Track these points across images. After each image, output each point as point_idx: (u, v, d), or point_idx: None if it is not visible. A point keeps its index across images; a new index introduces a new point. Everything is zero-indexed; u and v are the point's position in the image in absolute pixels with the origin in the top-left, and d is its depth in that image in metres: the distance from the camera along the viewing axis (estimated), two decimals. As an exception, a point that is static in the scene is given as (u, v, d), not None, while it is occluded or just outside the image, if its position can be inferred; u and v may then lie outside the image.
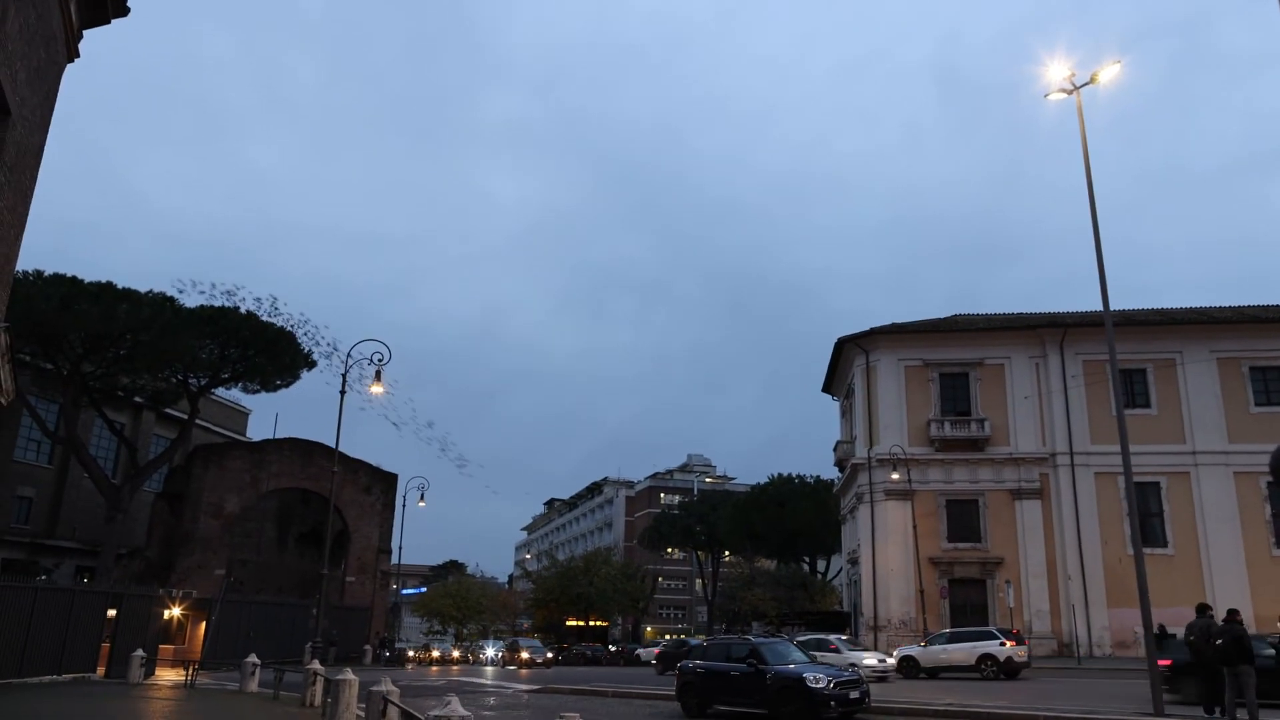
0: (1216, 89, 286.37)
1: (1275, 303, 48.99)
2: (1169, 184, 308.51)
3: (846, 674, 18.92)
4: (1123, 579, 41.56)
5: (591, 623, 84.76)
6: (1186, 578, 41.84)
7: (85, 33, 17.60)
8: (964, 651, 32.22)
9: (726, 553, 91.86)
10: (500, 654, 57.16)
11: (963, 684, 28.85)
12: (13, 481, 50.44)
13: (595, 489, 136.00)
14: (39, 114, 16.07)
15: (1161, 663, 20.84)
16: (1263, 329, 45.56)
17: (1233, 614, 17.08)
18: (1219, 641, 16.41)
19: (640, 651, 63.80)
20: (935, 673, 32.70)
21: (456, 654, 54.26)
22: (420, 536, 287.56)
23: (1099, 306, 20.94)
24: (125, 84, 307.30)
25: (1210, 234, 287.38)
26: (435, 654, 66.98)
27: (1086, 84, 21.11)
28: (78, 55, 17.50)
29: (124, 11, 17.74)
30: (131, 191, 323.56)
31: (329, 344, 52.20)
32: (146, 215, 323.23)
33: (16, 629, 26.02)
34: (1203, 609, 18.08)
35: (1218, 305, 49.57)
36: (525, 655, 52.73)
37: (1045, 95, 21.70)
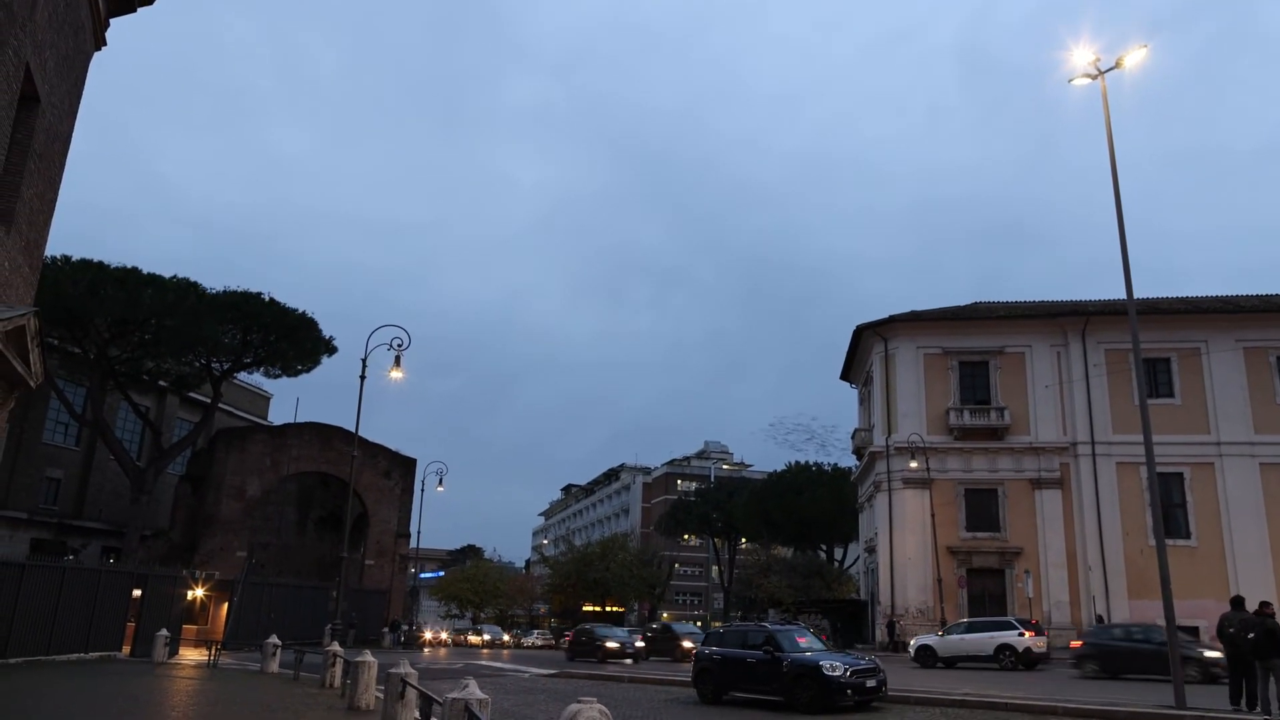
0: (1253, 71, 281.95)
1: (1303, 293, 48.41)
2: (1201, 168, 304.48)
3: (864, 662, 18.90)
4: (1144, 570, 41.32)
5: (608, 608, 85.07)
6: (1210, 570, 41.53)
7: (111, 21, 17.77)
8: (982, 641, 32.17)
9: (743, 540, 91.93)
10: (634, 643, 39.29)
11: (980, 674, 28.82)
12: (41, 463, 51.12)
13: (612, 475, 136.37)
14: (67, 102, 16.24)
15: (1073, 644, 23.68)
16: (1290, 318, 45.02)
17: (1264, 606, 16.91)
18: (1251, 635, 16.28)
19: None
20: (953, 662, 32.66)
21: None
22: (438, 521, 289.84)
23: (1124, 294, 20.73)
24: (149, 69, 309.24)
25: (1242, 219, 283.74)
26: (535, 641, 65.26)
27: (1111, 69, 20.74)
28: (105, 44, 17.66)
29: (150, 0, 17.89)
30: (156, 176, 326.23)
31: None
32: (170, 200, 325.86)
33: (45, 608, 26.44)
34: (1238, 602, 17.88)
35: (1245, 294, 48.95)
36: (689, 645, 35.58)
37: (1069, 80, 21.39)
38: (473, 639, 63.22)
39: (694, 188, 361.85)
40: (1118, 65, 20.75)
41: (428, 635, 64.61)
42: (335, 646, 21.88)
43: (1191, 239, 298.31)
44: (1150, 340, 42.60)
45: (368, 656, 16.87)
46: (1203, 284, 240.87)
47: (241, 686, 20.75)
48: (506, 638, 65.11)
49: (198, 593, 38.46)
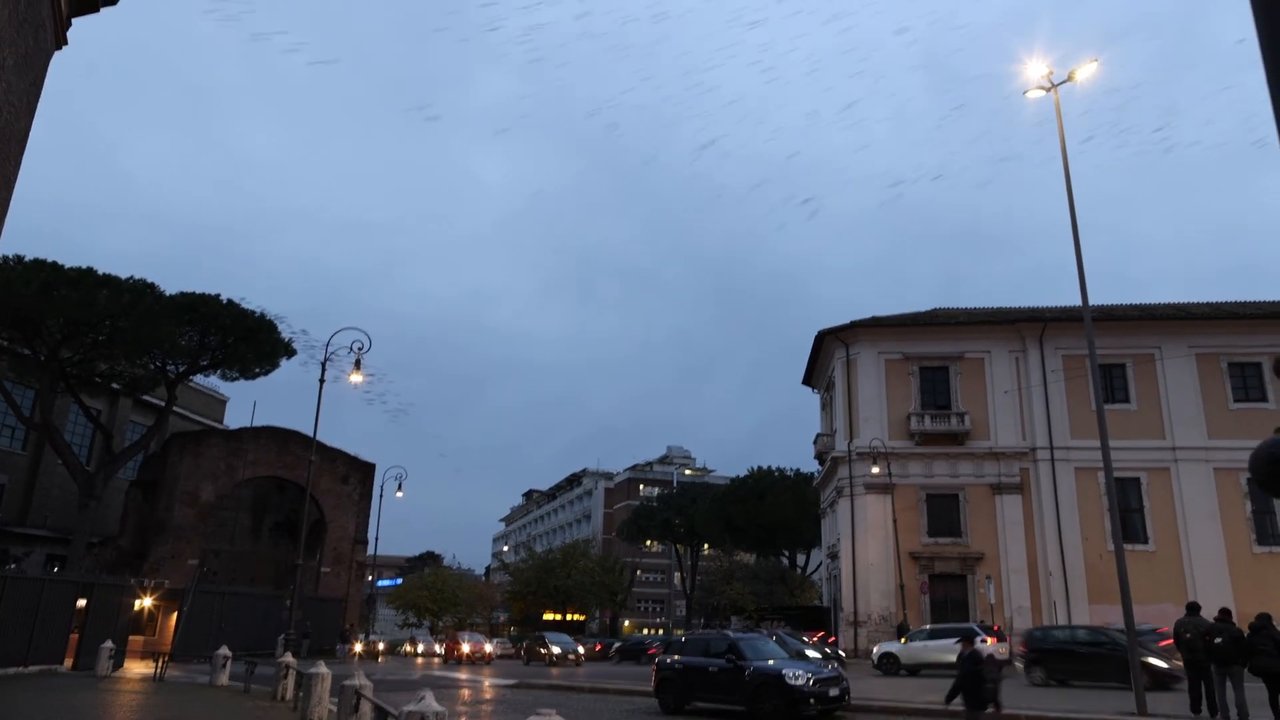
0: (1207, 80, 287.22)
1: (1256, 298, 49.29)
2: (1159, 174, 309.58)
3: (827, 671, 18.72)
4: (1104, 575, 41.63)
5: (569, 616, 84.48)
6: (1168, 574, 41.97)
7: (74, 20, 17.24)
8: (945, 648, 32.10)
9: (706, 546, 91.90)
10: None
11: (944, 681, 28.68)
12: (-16, 468, 49.72)
13: (574, 480, 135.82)
14: (25, 100, 15.65)
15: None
16: (1240, 325, 45.70)
17: (1225, 613, 17.05)
18: (1217, 640, 16.32)
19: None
20: (916, 670, 32.59)
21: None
22: (397, 527, 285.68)
23: (1080, 300, 20.87)
24: (114, 63, 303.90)
25: (1199, 225, 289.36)
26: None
27: (1064, 82, 21.16)
28: (66, 43, 17.12)
29: (114, 0, 17.37)
30: (119, 173, 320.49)
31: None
32: (134, 198, 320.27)
33: (-17, 619, 25.53)
34: (1193, 608, 17.99)
35: (1197, 301, 49.72)
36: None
37: (1024, 93, 21.81)
38: (541, 650, 47.09)
39: (662, 190, 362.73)
40: (1070, 78, 21.20)
41: (466, 648, 48.49)
42: (288, 658, 21.32)
43: (1153, 243, 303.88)
44: (1106, 346, 43.00)
45: (322, 668, 16.38)
46: (1163, 291, 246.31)
47: (188, 699, 20.11)
48: (581, 650, 48.40)
49: (145, 602, 37.47)
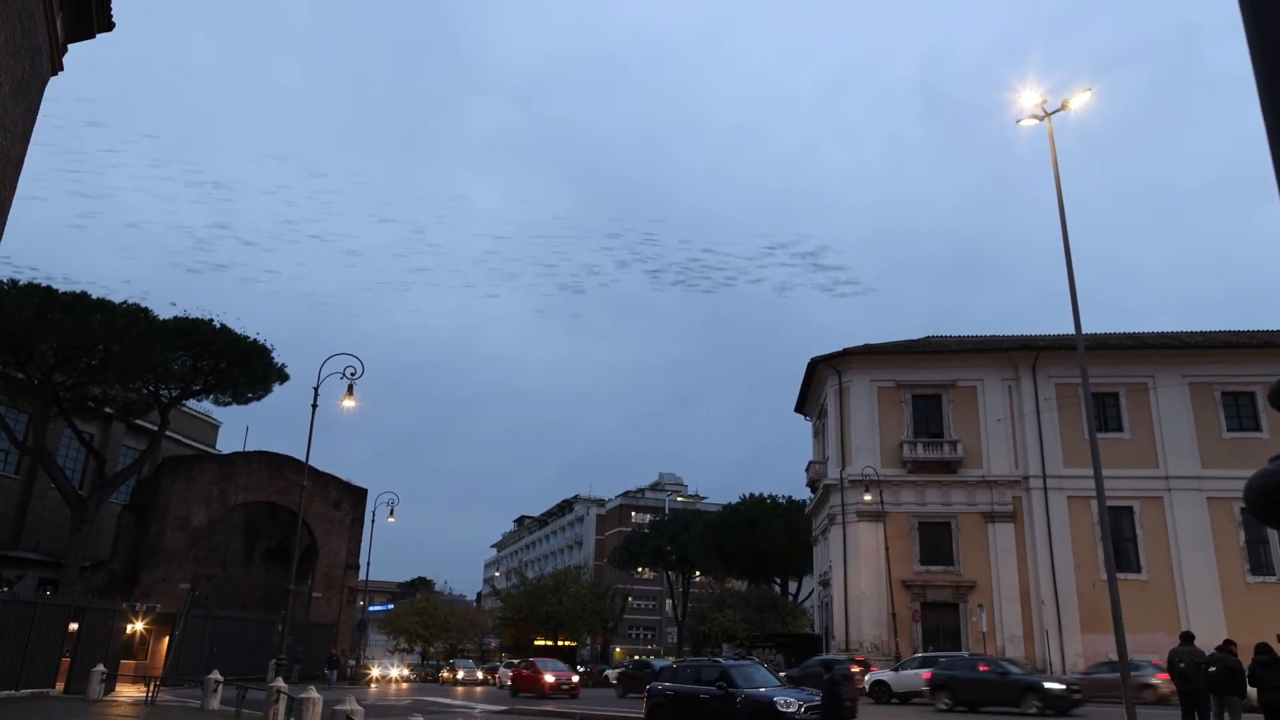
0: (1200, 110, 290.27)
1: (1249, 328, 49.61)
2: (1152, 204, 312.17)
3: (818, 698, 18.73)
4: (1096, 604, 41.61)
5: (560, 642, 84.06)
6: (1160, 604, 41.97)
7: (70, 46, 17.49)
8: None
9: (697, 573, 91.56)
10: None
11: (934, 710, 28.73)
12: (-24, 491, 49.52)
13: (566, 507, 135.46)
14: (21, 125, 15.85)
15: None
16: (1234, 354, 45.99)
17: (1229, 644, 17.15)
18: (1211, 669, 16.40)
19: (609, 672, 62.96)
20: (908, 698, 32.54)
21: None
22: (389, 552, 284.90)
23: (1073, 329, 21.05)
24: (106, 86, 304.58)
25: (1191, 255, 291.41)
26: None
27: (1057, 111, 21.35)
28: (61, 69, 17.35)
29: (109, 27, 17.66)
30: (110, 196, 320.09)
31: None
32: (125, 222, 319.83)
33: (-26, 643, 25.43)
34: (1188, 637, 18.08)
35: (1190, 330, 50.00)
36: None
37: (1017, 122, 21.98)
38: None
39: (655, 217, 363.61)
40: (1063, 107, 21.35)
41: (549, 678, 38.98)
42: (279, 683, 21.27)
43: (1145, 273, 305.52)
44: (1099, 375, 43.27)
45: (312, 693, 16.39)
46: (1156, 320, 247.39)
47: (180, 725, 20.06)
48: None
49: (137, 626, 37.27)
